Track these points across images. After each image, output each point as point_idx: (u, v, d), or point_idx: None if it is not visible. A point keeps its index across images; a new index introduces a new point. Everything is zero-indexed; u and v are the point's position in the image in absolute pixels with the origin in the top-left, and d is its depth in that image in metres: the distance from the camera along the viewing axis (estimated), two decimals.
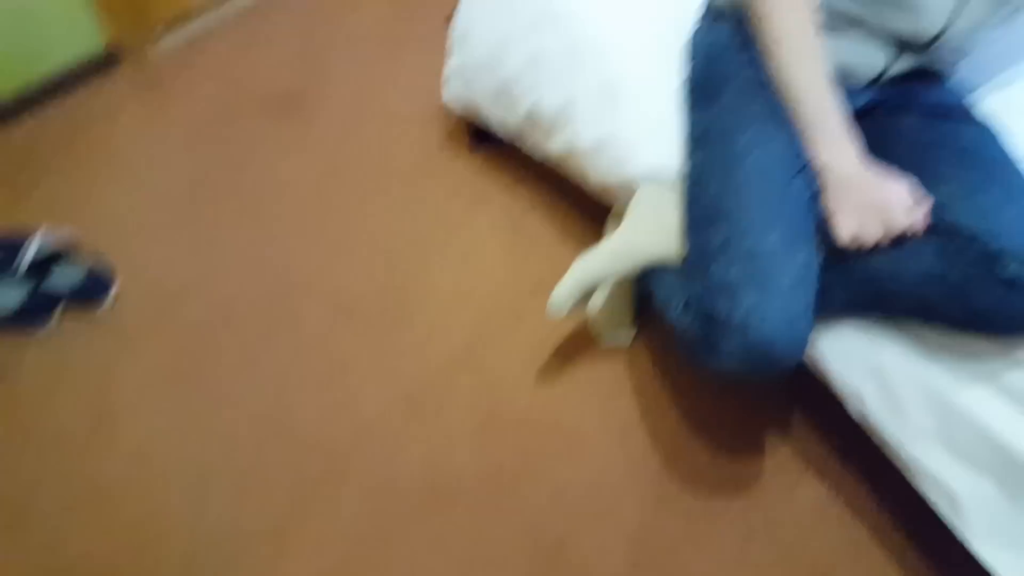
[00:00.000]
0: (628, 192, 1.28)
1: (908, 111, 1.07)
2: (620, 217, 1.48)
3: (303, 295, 1.62)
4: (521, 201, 1.74)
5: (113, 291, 1.62)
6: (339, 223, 1.74)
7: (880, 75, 1.07)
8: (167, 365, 1.52)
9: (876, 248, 0.97)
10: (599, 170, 1.32)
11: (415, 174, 1.82)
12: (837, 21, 1.04)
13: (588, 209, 1.66)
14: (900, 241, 0.95)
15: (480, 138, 1.81)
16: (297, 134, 1.93)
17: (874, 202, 0.94)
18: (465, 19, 1.50)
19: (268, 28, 2.18)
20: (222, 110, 1.99)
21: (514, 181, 1.78)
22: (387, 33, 2.15)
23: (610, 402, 1.40)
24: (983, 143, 1.00)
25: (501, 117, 1.54)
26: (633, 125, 1.25)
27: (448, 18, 1.59)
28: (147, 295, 1.64)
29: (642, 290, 1.35)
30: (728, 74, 1.09)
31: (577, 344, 1.49)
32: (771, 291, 0.94)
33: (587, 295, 1.24)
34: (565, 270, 1.22)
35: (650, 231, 1.16)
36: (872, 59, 1.05)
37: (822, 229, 1.00)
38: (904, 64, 1.06)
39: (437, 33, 2.10)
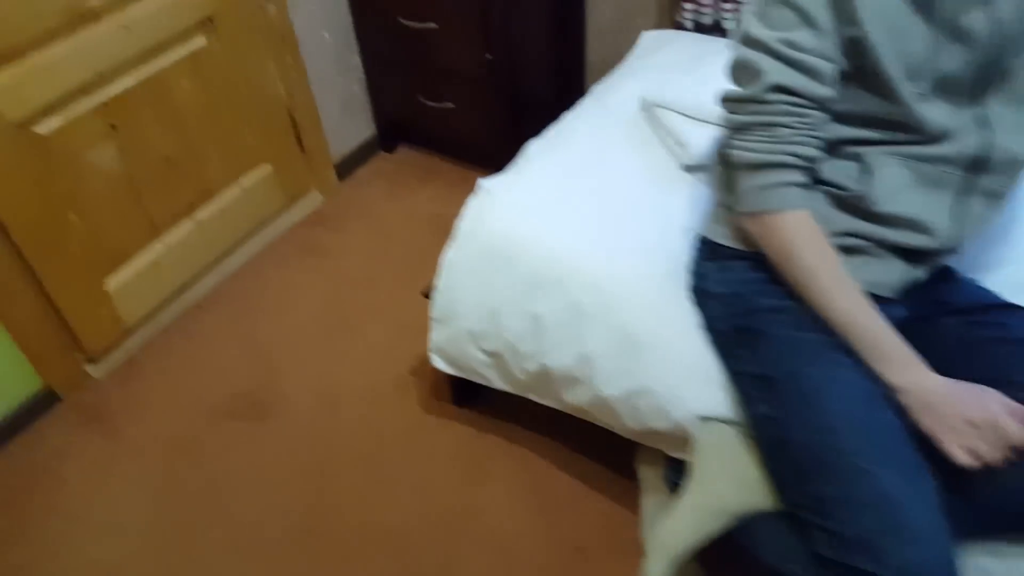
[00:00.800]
0: (678, 436, 1.18)
1: (943, 314, 1.06)
2: (651, 458, 1.37)
3: None
4: (531, 457, 1.58)
5: None
6: (340, 527, 1.51)
7: (905, 287, 1.06)
8: None
9: (995, 465, 0.89)
10: (637, 418, 1.21)
11: (408, 450, 1.64)
12: (854, 245, 1.04)
13: (605, 452, 1.53)
14: (1020, 453, 0.88)
15: (465, 394, 1.68)
16: (265, 437, 1.71)
17: (974, 418, 0.88)
18: (447, 295, 1.42)
19: (207, 330, 1.99)
20: (177, 429, 1.74)
21: (516, 435, 1.63)
22: (332, 312, 2.01)
23: None
24: None
25: (503, 379, 1.43)
26: (665, 373, 1.17)
27: (425, 293, 1.51)
28: None
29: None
30: (765, 312, 1.05)
31: None
32: (912, 537, 0.84)
33: (681, 565, 1.09)
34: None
35: (728, 483, 1.05)
36: (894, 274, 1.05)
37: (930, 454, 0.91)
38: (923, 272, 1.06)
39: (386, 301, 2.02)
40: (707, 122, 1.45)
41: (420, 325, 1.89)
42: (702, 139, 1.43)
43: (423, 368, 1.80)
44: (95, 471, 1.68)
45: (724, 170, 1.15)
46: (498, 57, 2.13)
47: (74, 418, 1.80)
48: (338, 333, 1.95)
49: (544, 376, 1.33)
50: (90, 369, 1.90)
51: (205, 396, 1.82)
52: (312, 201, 2.42)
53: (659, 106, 1.53)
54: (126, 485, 1.64)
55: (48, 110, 1.65)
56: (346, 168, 2.53)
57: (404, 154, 2.62)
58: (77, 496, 1.63)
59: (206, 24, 1.91)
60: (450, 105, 2.33)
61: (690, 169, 1.44)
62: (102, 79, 1.73)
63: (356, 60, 2.42)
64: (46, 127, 1.65)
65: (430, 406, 1.72)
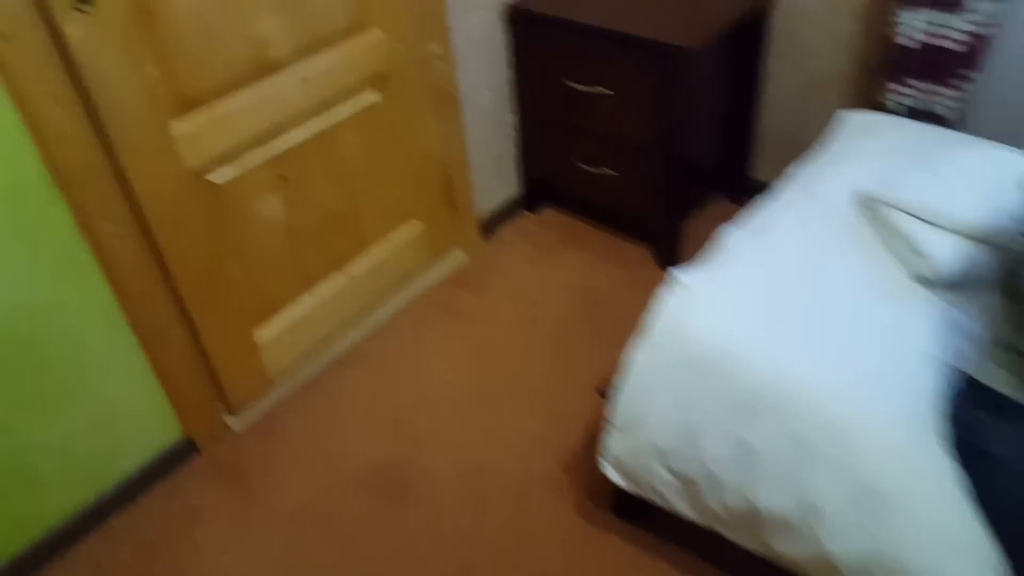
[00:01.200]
0: None
1: None
2: None
3: None
4: None
5: None
6: None
7: None
8: None
9: None
10: None
11: (562, 563, 1.46)
12: None
13: None
14: None
15: (630, 505, 1.48)
16: (404, 521, 1.57)
17: None
18: (633, 400, 1.25)
19: (347, 390, 1.90)
20: (312, 498, 1.64)
21: (691, 566, 1.42)
22: (476, 384, 1.88)
23: None
24: None
25: (691, 508, 1.24)
26: (917, 541, 0.96)
27: (600, 390, 1.35)
28: None
29: None
30: None
31: None
32: None
33: None
34: None
35: None
36: None
37: None
38: None
39: (533, 379, 1.87)
40: (953, 231, 1.24)
41: (572, 413, 1.75)
42: (945, 250, 1.22)
43: (577, 464, 1.63)
44: (226, 536, 1.58)
45: (1013, 304, 0.95)
46: (668, 127, 1.98)
47: (210, 473, 1.72)
48: (482, 409, 1.81)
49: (749, 515, 1.13)
50: (229, 421, 1.83)
51: (343, 465, 1.71)
52: (455, 259, 2.32)
53: (886, 204, 1.33)
54: (256, 555, 1.54)
55: (224, 159, 1.61)
56: (490, 227, 2.43)
57: (547, 215, 2.50)
58: (207, 562, 1.54)
59: (379, 79, 1.86)
60: (608, 171, 2.20)
61: (929, 284, 1.23)
62: (277, 130, 1.69)
63: (510, 118, 2.34)
64: (221, 176, 1.61)
65: (586, 511, 1.54)
